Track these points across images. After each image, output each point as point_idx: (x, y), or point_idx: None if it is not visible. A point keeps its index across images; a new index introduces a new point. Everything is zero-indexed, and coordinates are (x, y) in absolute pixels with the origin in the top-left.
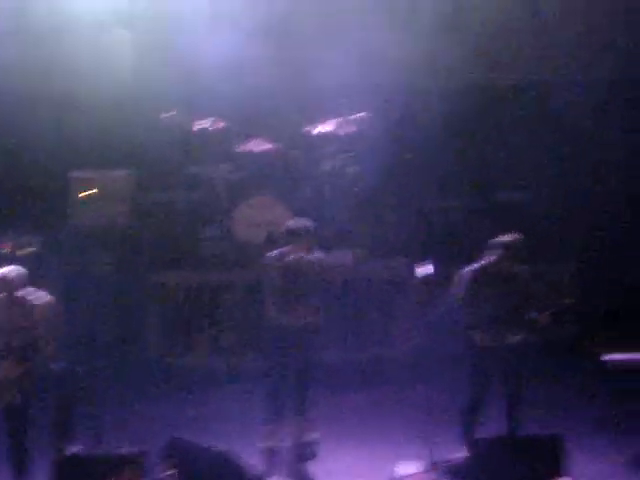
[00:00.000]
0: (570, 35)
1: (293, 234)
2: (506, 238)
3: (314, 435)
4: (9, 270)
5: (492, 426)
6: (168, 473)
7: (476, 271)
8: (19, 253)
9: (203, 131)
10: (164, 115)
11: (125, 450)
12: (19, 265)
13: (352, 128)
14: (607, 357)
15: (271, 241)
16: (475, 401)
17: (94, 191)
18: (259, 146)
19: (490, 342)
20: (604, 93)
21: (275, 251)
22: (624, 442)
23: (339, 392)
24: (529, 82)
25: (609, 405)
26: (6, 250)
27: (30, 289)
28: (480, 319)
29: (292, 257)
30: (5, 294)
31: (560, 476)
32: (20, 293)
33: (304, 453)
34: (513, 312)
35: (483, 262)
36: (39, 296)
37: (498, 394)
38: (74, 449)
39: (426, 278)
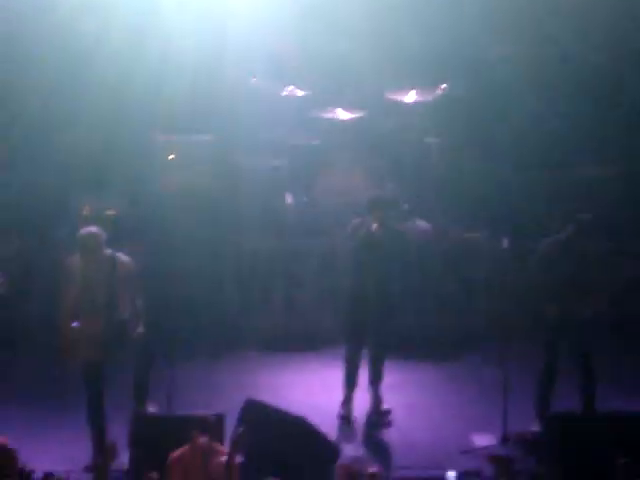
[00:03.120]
0: None
1: (375, 205)
2: (581, 215)
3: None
4: (92, 230)
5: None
6: (240, 432)
7: (550, 245)
8: (100, 216)
9: (286, 98)
10: (251, 80)
11: (203, 412)
12: (99, 227)
13: (433, 98)
14: None
15: (352, 210)
16: (549, 374)
17: (177, 155)
18: (341, 114)
19: (562, 315)
20: None
21: (357, 220)
22: None
23: (415, 362)
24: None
25: None
26: (87, 212)
27: (110, 250)
28: (553, 292)
29: (373, 227)
30: (90, 252)
31: None
32: (104, 252)
33: (379, 422)
34: (586, 287)
35: (558, 237)
36: (120, 256)
37: (573, 370)
38: (152, 409)
39: (502, 251)
